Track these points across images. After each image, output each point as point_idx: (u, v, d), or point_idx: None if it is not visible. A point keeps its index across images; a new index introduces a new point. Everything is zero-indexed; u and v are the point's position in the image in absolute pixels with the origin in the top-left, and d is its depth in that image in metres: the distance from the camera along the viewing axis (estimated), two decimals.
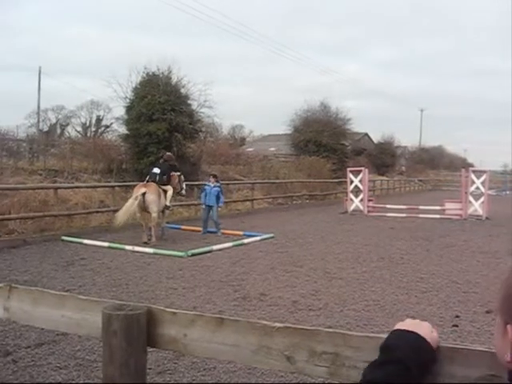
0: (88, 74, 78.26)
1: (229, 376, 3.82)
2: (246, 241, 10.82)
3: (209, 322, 1.45)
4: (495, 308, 1.02)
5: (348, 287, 6.94)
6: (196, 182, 16.46)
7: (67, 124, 46.08)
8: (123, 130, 20.90)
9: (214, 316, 1.48)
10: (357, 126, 36.86)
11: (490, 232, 13.76)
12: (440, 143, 69.59)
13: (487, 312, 5.68)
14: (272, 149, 41.42)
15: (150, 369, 3.58)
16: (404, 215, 17.69)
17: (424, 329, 1.11)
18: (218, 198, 12.17)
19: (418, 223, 15.84)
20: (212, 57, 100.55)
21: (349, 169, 20.94)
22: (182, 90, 19.89)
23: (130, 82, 19.68)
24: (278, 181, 23.33)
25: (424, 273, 8.03)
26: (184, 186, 12.27)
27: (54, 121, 45.01)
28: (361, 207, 18.99)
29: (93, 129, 45.47)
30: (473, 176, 17.83)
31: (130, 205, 10.33)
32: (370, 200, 19.78)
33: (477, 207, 17.33)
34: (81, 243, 10.07)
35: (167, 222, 12.08)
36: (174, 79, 19.85)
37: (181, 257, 8.85)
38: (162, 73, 19.71)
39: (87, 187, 14.59)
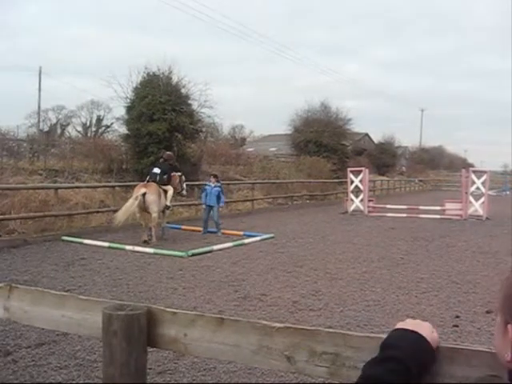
0: (88, 73, 78.54)
1: (229, 376, 3.82)
2: (246, 241, 10.82)
3: (209, 321, 1.45)
4: (495, 308, 1.02)
5: (348, 287, 6.94)
6: (196, 182, 16.46)
7: (67, 124, 46.17)
8: (123, 129, 20.95)
9: (215, 316, 1.49)
10: (357, 126, 36.95)
11: (491, 232, 13.76)
12: (440, 143, 69.86)
13: (487, 312, 5.68)
14: (272, 149, 41.46)
15: (150, 369, 3.58)
16: (404, 215, 17.70)
17: (425, 329, 1.11)
18: (218, 198, 12.17)
19: (419, 223, 15.83)
20: (212, 57, 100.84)
21: (349, 169, 20.92)
22: (183, 90, 19.90)
23: (130, 81, 19.71)
24: (278, 181, 23.33)
25: (424, 273, 8.02)
26: (185, 186, 12.27)
27: (54, 121, 45.13)
28: (361, 207, 18.98)
29: (93, 129, 45.55)
30: (473, 176, 17.83)
31: (130, 205, 10.32)
32: (370, 200, 19.77)
33: (477, 207, 17.33)
34: (81, 243, 10.07)
35: (167, 222, 12.08)
36: (175, 79, 19.88)
37: (181, 257, 8.85)
38: (163, 73, 19.72)
39: (87, 187, 14.59)
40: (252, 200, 19.07)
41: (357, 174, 19.79)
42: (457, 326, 5.24)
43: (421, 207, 18.42)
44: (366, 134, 50.32)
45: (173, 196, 11.48)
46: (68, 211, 12.56)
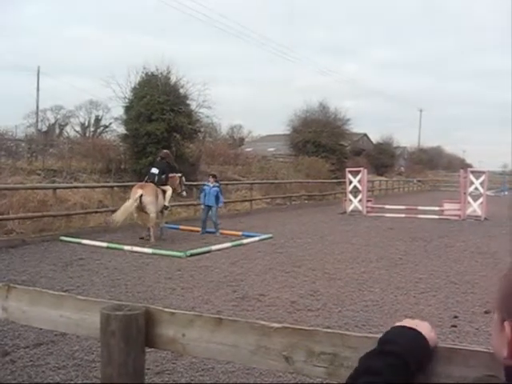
0: (87, 73, 78.36)
1: (227, 376, 3.82)
2: (244, 241, 10.82)
3: (207, 322, 1.45)
4: (493, 306, 1.02)
5: (347, 287, 6.94)
6: (195, 182, 16.46)
7: (66, 124, 46.15)
8: (122, 129, 20.94)
9: (213, 316, 1.49)
10: (356, 127, 37.03)
11: (489, 232, 13.77)
12: (439, 144, 69.95)
13: (486, 312, 5.68)
14: (271, 149, 41.46)
15: (148, 369, 3.58)
16: (403, 216, 17.70)
17: (423, 328, 1.12)
18: (217, 198, 12.16)
19: (417, 224, 15.84)
20: (210, 57, 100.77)
21: (348, 169, 20.93)
22: (181, 90, 19.89)
23: (128, 82, 19.70)
24: (276, 181, 23.34)
25: (422, 273, 8.03)
26: (184, 187, 12.28)
27: (52, 121, 45.09)
28: (360, 207, 19.00)
29: (91, 129, 45.53)
30: (471, 176, 17.85)
31: (129, 205, 10.32)
32: (368, 200, 19.78)
33: (475, 208, 17.34)
34: (79, 243, 10.07)
35: (166, 222, 12.08)
36: (173, 79, 19.86)
37: (179, 257, 8.85)
38: (161, 73, 19.70)
39: (86, 187, 14.57)
40: (250, 200, 19.07)
41: (355, 174, 19.81)
42: (455, 326, 5.25)
43: (419, 207, 18.43)
44: (365, 135, 50.37)
45: (172, 196, 11.48)
46: (66, 211, 12.55)
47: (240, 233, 12.00)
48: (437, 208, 18.30)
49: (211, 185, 12.27)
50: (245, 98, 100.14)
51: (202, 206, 12.46)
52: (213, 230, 12.11)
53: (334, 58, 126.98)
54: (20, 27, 77.87)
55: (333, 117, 34.73)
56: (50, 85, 71.84)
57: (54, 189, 12.26)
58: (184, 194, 12.42)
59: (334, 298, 6.37)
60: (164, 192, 10.98)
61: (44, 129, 40.31)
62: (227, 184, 18.99)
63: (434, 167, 60.15)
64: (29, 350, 4.25)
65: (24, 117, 39.31)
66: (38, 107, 37.87)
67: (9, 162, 17.60)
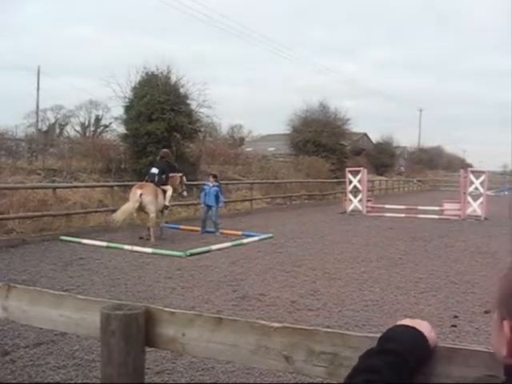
0: (87, 73, 78.39)
1: (227, 376, 3.82)
2: (244, 241, 10.82)
3: (207, 321, 1.45)
4: (493, 305, 1.02)
5: (347, 287, 6.94)
6: (195, 182, 16.46)
7: (66, 123, 46.16)
8: (122, 129, 20.96)
9: (213, 316, 1.49)
10: (356, 126, 37.04)
11: (489, 232, 13.77)
12: (439, 143, 69.87)
13: (486, 312, 5.68)
14: (271, 149, 41.45)
15: (148, 369, 3.58)
16: (403, 215, 17.70)
17: (423, 328, 1.12)
18: (217, 197, 12.16)
19: (417, 223, 15.84)
20: (211, 56, 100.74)
21: (348, 169, 20.93)
22: (181, 90, 19.90)
23: (129, 81, 19.72)
24: (276, 181, 23.34)
25: (423, 273, 8.03)
26: (184, 187, 12.28)
27: (52, 120, 45.10)
28: (360, 207, 19.00)
29: (92, 128, 45.53)
30: (471, 176, 17.85)
31: (130, 206, 10.32)
32: (368, 200, 19.78)
33: (475, 208, 17.34)
34: (79, 243, 10.07)
35: (166, 222, 12.08)
36: (173, 79, 19.89)
37: (179, 256, 8.85)
38: (161, 72, 19.72)
39: (86, 187, 14.58)
40: (250, 200, 19.07)
41: (355, 173, 19.80)
42: (455, 326, 5.25)
43: (419, 207, 18.43)
44: (365, 134, 50.36)
45: (172, 196, 11.47)
46: (66, 211, 12.55)
47: (240, 232, 12.00)
48: (437, 208, 18.29)
49: (211, 184, 12.27)
50: (245, 97, 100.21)
51: (202, 206, 12.46)
52: (213, 229, 12.11)
53: (334, 57, 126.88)
54: (20, 27, 77.92)
55: (333, 116, 34.75)
56: (50, 85, 71.99)
57: (54, 188, 12.26)
58: (185, 194, 12.41)
59: (334, 297, 6.37)
60: (164, 192, 10.98)
61: (44, 128, 40.33)
62: (227, 184, 18.99)
63: (433, 167, 60.16)
64: (29, 350, 4.25)
65: (24, 116, 39.38)
66: (38, 107, 37.91)
67: (9, 162, 17.61)
